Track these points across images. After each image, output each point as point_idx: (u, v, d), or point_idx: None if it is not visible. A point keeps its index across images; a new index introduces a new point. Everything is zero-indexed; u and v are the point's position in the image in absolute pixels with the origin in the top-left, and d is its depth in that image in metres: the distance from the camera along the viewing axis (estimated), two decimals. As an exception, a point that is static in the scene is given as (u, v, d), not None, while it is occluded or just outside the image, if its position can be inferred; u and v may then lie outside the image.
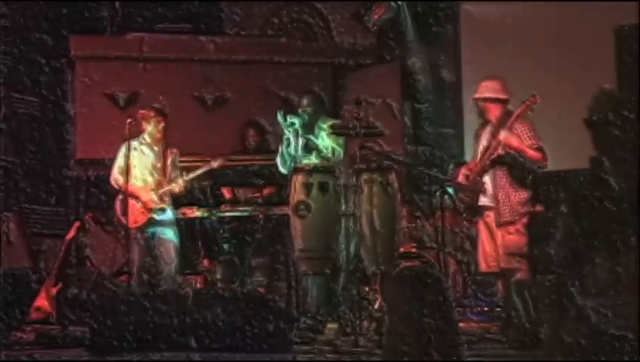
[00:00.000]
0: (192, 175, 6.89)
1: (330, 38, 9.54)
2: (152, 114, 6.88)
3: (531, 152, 5.76)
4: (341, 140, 6.44)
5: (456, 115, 9.07)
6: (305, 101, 6.59)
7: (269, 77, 8.72)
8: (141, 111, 6.96)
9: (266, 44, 9.16)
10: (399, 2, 8.91)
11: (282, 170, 6.63)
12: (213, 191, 7.29)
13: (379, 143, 6.92)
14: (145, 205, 6.77)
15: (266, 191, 7.50)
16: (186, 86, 8.66)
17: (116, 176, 6.88)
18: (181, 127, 8.11)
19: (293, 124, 6.46)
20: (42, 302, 6.93)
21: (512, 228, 5.81)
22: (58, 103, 8.75)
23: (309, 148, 6.48)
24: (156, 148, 6.93)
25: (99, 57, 8.61)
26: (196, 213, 7.16)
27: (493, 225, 5.91)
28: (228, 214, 7.27)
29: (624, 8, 7.64)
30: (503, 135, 5.75)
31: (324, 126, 6.52)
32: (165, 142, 6.95)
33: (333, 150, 6.41)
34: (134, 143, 6.86)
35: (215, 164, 6.90)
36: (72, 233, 7.29)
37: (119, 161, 6.86)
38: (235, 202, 7.59)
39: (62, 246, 7.28)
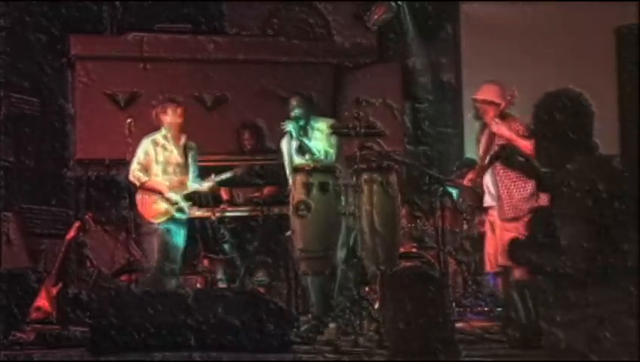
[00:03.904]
0: (218, 178, 6.89)
1: (330, 38, 9.53)
2: (171, 107, 6.84)
3: (523, 142, 5.77)
4: (334, 141, 6.40)
5: (456, 115, 9.07)
6: (294, 103, 6.58)
7: (269, 77, 8.71)
8: (161, 107, 6.89)
9: (266, 44, 9.16)
10: (399, 2, 8.92)
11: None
12: (213, 192, 7.28)
13: (379, 143, 6.92)
14: (168, 202, 6.69)
15: (266, 192, 7.50)
16: (186, 86, 8.65)
17: (137, 173, 6.77)
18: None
19: (285, 127, 6.46)
20: (42, 302, 6.93)
21: (510, 226, 5.81)
22: (58, 103, 8.75)
23: (302, 150, 6.47)
24: (178, 144, 6.86)
25: (99, 57, 8.60)
26: (196, 213, 7.15)
27: (497, 224, 5.92)
28: (228, 214, 7.27)
29: (625, 9, 7.65)
30: (494, 127, 5.81)
31: (317, 126, 6.50)
32: (186, 138, 6.90)
33: (326, 153, 6.38)
34: (156, 137, 6.82)
35: (239, 172, 6.93)
36: (72, 233, 7.28)
37: (140, 157, 6.79)
38: (232, 203, 7.59)
39: (62, 246, 7.27)
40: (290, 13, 9.53)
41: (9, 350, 5.47)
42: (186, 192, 6.80)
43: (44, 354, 5.42)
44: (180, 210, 6.76)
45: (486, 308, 7.10)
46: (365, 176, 5.75)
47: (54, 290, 7.00)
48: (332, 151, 6.37)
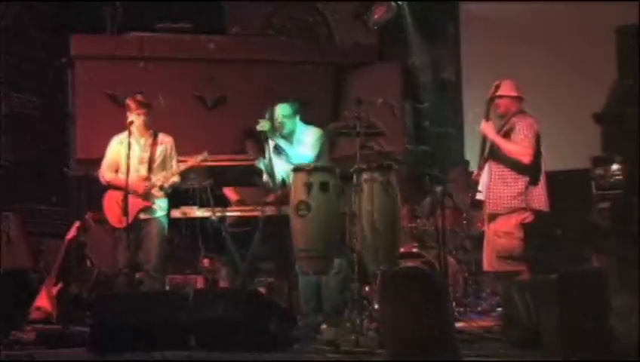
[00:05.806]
0: (177, 169, 6.68)
1: (331, 38, 9.54)
2: (133, 105, 6.61)
3: (506, 145, 5.74)
4: (319, 150, 6.42)
5: (456, 114, 9.07)
6: (278, 109, 6.61)
7: (269, 77, 8.70)
8: (127, 101, 6.69)
9: (266, 44, 9.16)
10: (399, 2, 8.92)
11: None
12: (213, 191, 7.27)
13: (379, 143, 6.92)
14: (136, 201, 6.46)
15: (280, 194, 7.40)
16: (186, 86, 8.65)
17: (103, 173, 6.70)
18: (181, 127, 8.10)
19: (262, 128, 6.49)
20: (42, 301, 6.93)
21: (501, 232, 5.77)
22: (58, 103, 8.75)
23: (278, 151, 6.54)
24: (142, 141, 6.66)
25: (99, 57, 8.60)
26: (197, 212, 7.14)
27: (490, 227, 5.91)
28: (229, 214, 7.26)
29: (625, 9, 7.65)
30: (482, 125, 5.82)
31: (306, 131, 6.54)
32: (153, 133, 6.71)
33: (302, 158, 6.37)
34: (121, 137, 6.68)
35: (199, 158, 6.66)
36: (72, 233, 7.27)
37: (107, 158, 6.71)
38: (242, 203, 7.56)
39: (62, 246, 7.27)
40: (290, 13, 9.52)
41: (9, 350, 5.47)
42: (146, 187, 6.53)
43: (44, 353, 5.42)
44: (147, 208, 6.57)
45: (486, 308, 7.10)
46: (366, 176, 5.75)
47: (55, 290, 7.01)
48: (310, 156, 6.40)
